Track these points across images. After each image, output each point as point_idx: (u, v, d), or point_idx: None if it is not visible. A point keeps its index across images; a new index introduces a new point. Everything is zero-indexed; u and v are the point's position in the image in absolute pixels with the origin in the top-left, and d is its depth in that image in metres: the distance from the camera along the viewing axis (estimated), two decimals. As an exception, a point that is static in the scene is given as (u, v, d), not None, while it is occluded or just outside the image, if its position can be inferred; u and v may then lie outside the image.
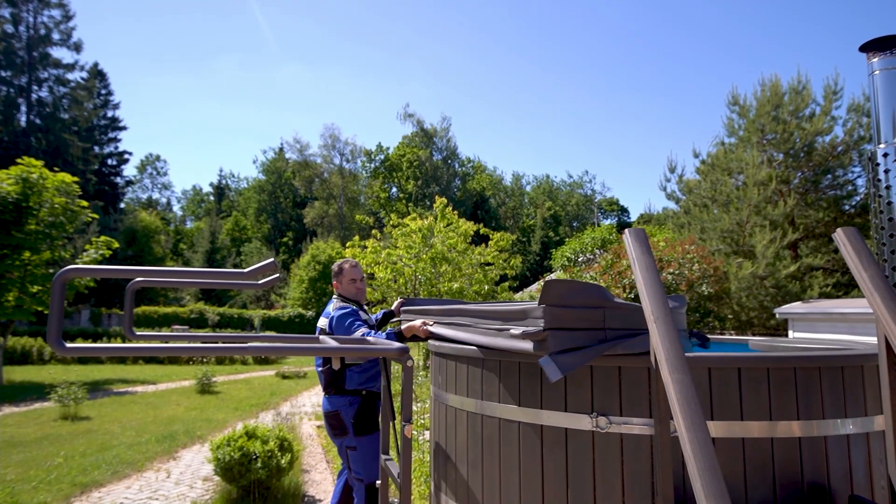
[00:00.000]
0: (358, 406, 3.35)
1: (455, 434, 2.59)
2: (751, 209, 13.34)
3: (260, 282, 3.26)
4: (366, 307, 3.89)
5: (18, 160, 14.95)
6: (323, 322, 3.57)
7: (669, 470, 1.75)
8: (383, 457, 3.03)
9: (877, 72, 3.14)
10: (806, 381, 1.98)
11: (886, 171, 3.01)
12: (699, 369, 1.97)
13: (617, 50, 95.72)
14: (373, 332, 3.32)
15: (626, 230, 2.02)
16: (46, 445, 7.55)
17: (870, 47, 3.18)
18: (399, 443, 2.51)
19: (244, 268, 3.81)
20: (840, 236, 2.07)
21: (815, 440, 1.96)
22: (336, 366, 3.34)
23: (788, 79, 15.26)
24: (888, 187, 2.99)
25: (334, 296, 3.79)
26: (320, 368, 3.54)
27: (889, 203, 2.98)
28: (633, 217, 63.81)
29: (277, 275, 3.16)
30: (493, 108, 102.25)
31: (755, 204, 13.24)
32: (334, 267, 3.83)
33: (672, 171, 17.39)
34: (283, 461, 5.25)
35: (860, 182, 15.21)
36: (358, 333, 3.27)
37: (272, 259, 2.67)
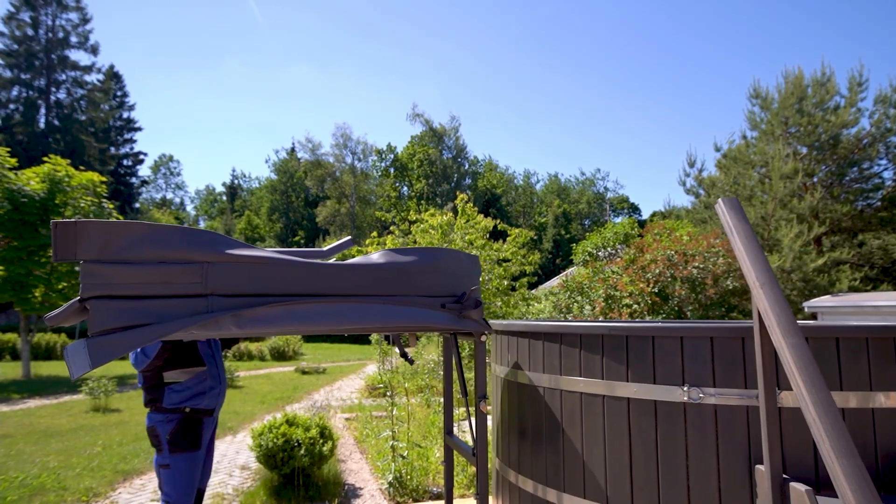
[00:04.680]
0: (176, 423, 3.04)
1: (526, 410, 2.58)
2: (776, 203, 13.21)
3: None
4: None
5: (45, 159, 15.13)
6: None
7: (778, 437, 1.73)
8: (447, 437, 3.02)
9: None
10: (905, 351, 1.95)
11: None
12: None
13: (625, 47, 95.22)
14: None
15: (721, 199, 2.00)
16: (82, 435, 7.62)
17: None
18: (474, 420, 2.50)
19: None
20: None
21: (917, 411, 1.93)
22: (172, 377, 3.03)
23: (811, 71, 15.11)
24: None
25: None
26: (140, 383, 3.16)
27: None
28: (645, 215, 63.41)
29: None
30: (503, 106, 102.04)
31: (781, 198, 13.11)
32: None
33: (692, 165, 17.27)
34: (324, 449, 5.27)
35: (887, 175, 15.04)
36: None
37: (349, 238, 2.64)
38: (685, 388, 2.03)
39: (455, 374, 3.00)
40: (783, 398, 1.91)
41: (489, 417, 3.17)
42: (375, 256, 2.01)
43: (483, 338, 2.31)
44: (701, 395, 2.01)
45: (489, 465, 3.32)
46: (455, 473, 5.63)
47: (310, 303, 1.70)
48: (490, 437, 3.24)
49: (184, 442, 3.03)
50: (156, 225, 1.54)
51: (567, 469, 2.33)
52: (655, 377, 2.10)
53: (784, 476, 1.75)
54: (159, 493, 3.08)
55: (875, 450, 1.90)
